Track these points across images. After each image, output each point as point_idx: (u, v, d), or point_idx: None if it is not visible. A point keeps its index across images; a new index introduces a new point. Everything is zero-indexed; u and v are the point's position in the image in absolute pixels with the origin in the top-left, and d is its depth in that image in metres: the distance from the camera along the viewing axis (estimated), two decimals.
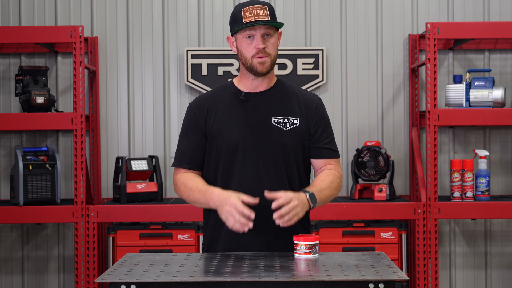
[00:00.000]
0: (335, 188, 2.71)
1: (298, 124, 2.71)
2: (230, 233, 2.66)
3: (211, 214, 2.73)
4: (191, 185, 2.67)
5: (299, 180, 2.72)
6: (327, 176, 2.70)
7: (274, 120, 2.70)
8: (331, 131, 2.79)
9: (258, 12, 2.62)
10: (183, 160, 2.73)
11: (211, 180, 2.71)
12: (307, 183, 2.77)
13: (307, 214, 2.78)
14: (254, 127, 2.68)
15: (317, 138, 2.73)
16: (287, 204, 2.48)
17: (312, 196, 2.58)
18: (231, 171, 2.67)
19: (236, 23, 2.65)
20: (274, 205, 2.48)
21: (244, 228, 2.48)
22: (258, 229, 2.64)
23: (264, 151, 2.65)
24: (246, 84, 2.74)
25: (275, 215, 2.47)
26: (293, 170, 2.70)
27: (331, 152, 2.76)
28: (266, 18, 2.62)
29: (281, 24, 2.67)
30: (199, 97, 2.82)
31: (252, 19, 2.61)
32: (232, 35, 2.71)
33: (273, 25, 2.65)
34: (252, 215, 2.46)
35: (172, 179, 2.80)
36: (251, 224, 2.47)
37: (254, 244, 2.65)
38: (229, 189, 2.62)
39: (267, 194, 2.51)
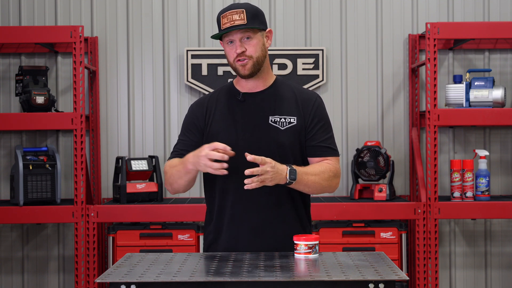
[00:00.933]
0: (325, 180, 2.64)
1: (295, 123, 2.69)
2: (230, 233, 2.68)
3: (212, 213, 2.74)
4: (175, 163, 2.67)
5: None
6: (319, 166, 2.66)
7: (271, 120, 2.69)
8: (330, 129, 2.75)
9: (234, 17, 2.62)
10: (178, 156, 2.72)
11: (209, 179, 2.72)
12: None
13: (307, 213, 2.79)
14: (251, 127, 2.69)
15: (313, 135, 2.70)
16: (261, 166, 2.46)
17: (292, 171, 2.53)
18: (229, 172, 2.67)
19: (217, 30, 2.68)
20: (249, 158, 2.45)
21: (222, 171, 2.46)
22: (258, 229, 2.65)
23: (262, 151, 2.63)
24: (242, 85, 2.76)
25: (247, 171, 2.44)
26: None
27: (328, 150, 2.71)
28: (242, 22, 2.61)
29: (257, 27, 2.64)
30: (200, 98, 2.86)
31: (228, 25, 2.62)
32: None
33: (247, 28, 2.62)
34: (225, 156, 2.45)
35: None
36: (225, 165, 2.45)
37: (254, 243, 2.65)
38: (227, 190, 2.66)
39: (247, 154, 2.47)
